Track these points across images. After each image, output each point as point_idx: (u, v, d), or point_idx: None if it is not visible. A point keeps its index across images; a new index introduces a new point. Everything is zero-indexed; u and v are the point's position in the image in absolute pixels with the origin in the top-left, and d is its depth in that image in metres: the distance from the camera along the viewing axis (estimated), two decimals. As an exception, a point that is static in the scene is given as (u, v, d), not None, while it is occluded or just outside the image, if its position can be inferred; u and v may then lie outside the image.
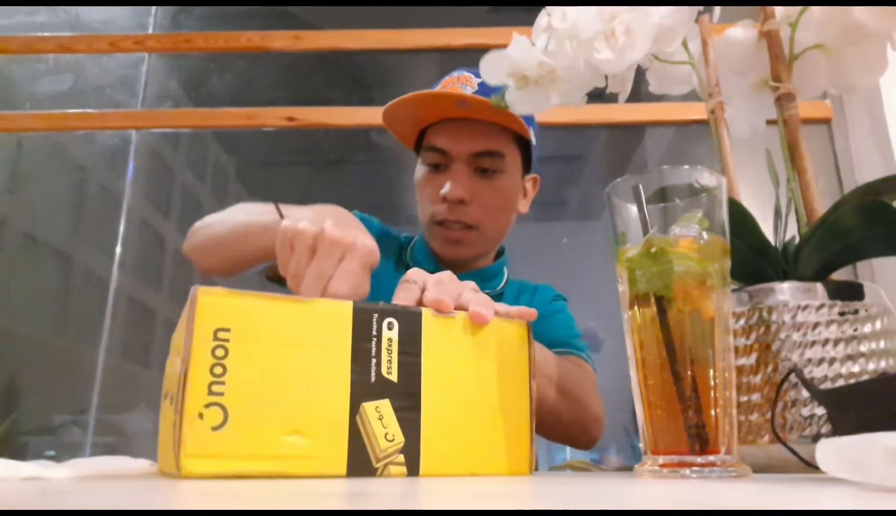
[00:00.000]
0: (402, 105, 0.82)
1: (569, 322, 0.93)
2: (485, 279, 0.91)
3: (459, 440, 0.38)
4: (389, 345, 0.37)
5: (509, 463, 0.40)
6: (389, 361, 0.37)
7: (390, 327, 0.37)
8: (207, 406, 0.31)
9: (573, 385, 0.72)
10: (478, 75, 0.82)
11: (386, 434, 0.36)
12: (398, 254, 0.93)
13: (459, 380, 0.39)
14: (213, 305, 0.33)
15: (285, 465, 0.33)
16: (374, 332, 0.37)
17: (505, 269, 0.95)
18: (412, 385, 0.37)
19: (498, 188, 0.86)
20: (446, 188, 0.83)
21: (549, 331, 0.86)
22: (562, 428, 0.73)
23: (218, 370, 0.32)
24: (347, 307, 0.37)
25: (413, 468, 0.36)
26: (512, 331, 0.42)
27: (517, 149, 0.88)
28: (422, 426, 0.37)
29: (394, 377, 0.37)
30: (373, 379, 0.36)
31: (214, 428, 0.31)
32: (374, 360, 0.36)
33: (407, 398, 0.37)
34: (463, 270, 0.90)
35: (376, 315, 0.37)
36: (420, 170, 0.89)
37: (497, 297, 0.90)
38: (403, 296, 0.43)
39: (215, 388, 0.32)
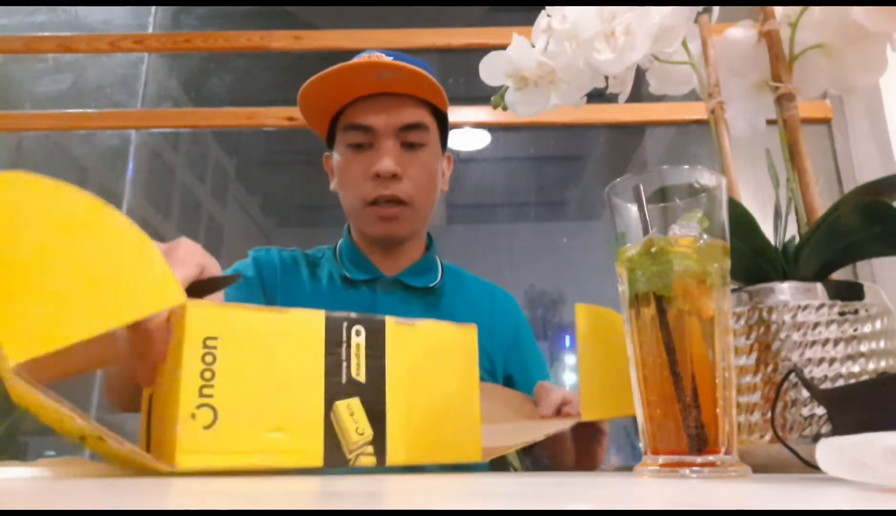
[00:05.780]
0: (320, 82, 0.79)
1: (542, 362, 0.91)
2: (422, 273, 0.88)
3: (420, 431, 0.43)
4: (357, 350, 0.41)
5: (464, 451, 0.45)
6: (358, 364, 0.41)
7: (358, 334, 0.42)
8: (199, 407, 0.35)
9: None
10: (388, 54, 0.80)
11: (357, 428, 0.40)
12: (311, 269, 0.88)
13: (418, 379, 0.44)
14: (202, 316, 0.36)
15: (269, 459, 0.37)
16: (344, 338, 0.41)
17: (437, 259, 0.92)
18: (378, 384, 0.42)
19: (425, 162, 0.84)
20: (379, 164, 0.80)
21: (527, 374, 0.85)
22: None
23: (207, 375, 0.36)
24: (320, 316, 0.41)
25: (381, 458, 0.40)
26: (461, 337, 0.47)
27: (436, 124, 0.86)
28: (387, 420, 0.41)
29: (362, 378, 0.41)
30: (344, 380, 0.40)
31: (206, 427, 0.35)
32: (344, 363, 0.41)
33: (374, 396, 0.41)
34: (400, 267, 0.87)
35: (346, 323, 0.41)
36: (338, 155, 0.85)
37: (437, 293, 0.88)
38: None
39: (206, 391, 0.35)
